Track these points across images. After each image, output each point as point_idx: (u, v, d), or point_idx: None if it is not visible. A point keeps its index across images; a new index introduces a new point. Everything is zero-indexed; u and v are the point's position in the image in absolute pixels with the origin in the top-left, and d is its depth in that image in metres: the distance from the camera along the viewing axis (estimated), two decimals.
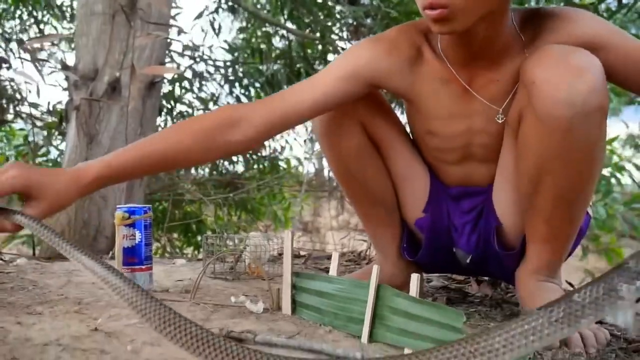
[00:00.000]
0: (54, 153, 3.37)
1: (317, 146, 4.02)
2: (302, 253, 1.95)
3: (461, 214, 1.15)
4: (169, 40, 2.66)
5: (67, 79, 2.41)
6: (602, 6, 2.56)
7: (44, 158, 3.32)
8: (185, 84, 3.42)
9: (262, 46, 3.33)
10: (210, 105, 3.48)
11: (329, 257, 1.83)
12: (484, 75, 1.03)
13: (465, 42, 0.99)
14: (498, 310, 1.19)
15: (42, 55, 3.07)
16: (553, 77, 0.87)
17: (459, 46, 1.01)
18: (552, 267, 1.03)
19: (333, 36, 3.11)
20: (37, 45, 2.66)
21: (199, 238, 3.33)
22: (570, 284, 1.45)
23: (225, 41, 3.51)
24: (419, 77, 1.06)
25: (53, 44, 3.26)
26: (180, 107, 3.49)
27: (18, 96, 2.58)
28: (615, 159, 3.09)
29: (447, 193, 1.17)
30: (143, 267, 1.10)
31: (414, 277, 0.81)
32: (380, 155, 1.18)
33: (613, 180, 2.90)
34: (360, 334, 0.88)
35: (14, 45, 3.10)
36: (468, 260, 1.15)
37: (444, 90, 1.05)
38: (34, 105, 2.63)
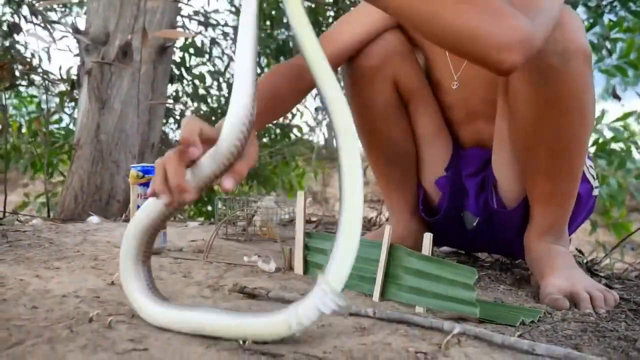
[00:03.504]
0: (65, 119, 3.38)
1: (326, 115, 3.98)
2: (312, 219, 1.97)
3: (470, 176, 1.18)
4: (179, 5, 2.63)
5: (78, 41, 2.41)
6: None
7: (56, 126, 3.34)
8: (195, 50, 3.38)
9: (273, 12, 3.27)
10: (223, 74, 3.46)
11: None
12: None
13: None
14: (508, 274, 1.19)
15: (53, 17, 3.05)
16: None
17: None
18: (558, 229, 1.04)
19: (347, 1, 3.05)
20: (47, 5, 2.65)
21: (209, 208, 3.34)
22: (579, 251, 1.45)
23: (231, 2, 3.43)
24: None
25: (64, 5, 3.24)
26: (190, 76, 3.46)
27: (35, 61, 2.58)
28: (627, 134, 3.06)
29: (462, 155, 1.20)
30: None
31: (427, 236, 0.82)
32: (407, 113, 1.19)
33: (623, 154, 2.87)
34: (372, 292, 0.89)
35: (26, 11, 3.08)
36: (475, 224, 1.16)
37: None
38: (46, 73, 2.63)
